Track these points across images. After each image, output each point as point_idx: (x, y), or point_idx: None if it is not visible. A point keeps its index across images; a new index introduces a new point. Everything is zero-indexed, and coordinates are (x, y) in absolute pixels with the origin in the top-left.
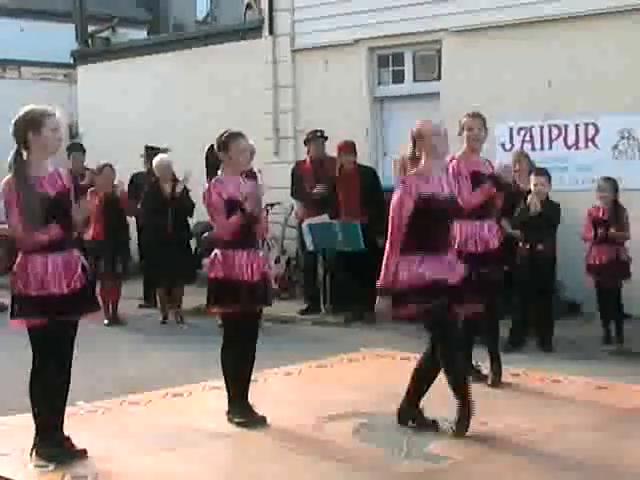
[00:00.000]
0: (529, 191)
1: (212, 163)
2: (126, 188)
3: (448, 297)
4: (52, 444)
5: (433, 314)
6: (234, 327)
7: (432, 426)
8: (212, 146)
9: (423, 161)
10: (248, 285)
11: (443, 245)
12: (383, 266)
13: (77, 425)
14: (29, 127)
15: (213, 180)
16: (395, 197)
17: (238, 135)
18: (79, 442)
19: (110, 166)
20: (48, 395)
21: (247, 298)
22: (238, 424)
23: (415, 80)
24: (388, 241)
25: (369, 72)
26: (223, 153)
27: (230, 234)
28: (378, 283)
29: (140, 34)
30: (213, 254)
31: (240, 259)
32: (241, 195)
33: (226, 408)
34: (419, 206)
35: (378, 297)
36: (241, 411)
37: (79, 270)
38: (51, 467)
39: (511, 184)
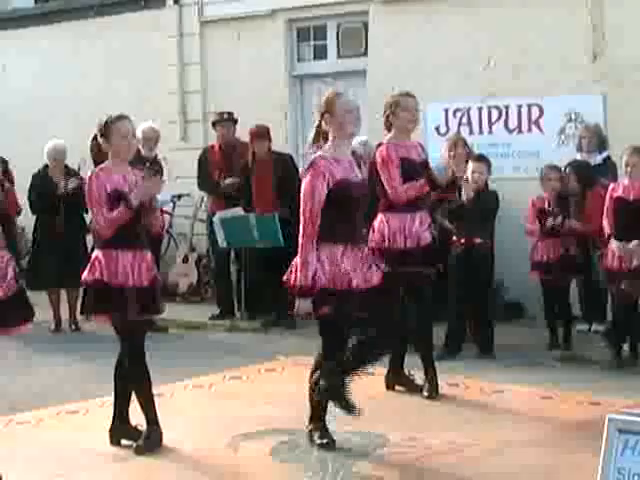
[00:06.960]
0: (466, 179)
1: (94, 153)
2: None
3: (356, 303)
4: None
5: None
6: (131, 337)
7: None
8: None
9: (330, 140)
10: (135, 291)
11: (361, 235)
12: (299, 263)
13: None
14: None
15: (96, 169)
16: (306, 183)
17: (119, 118)
18: None
19: None
20: None
21: (133, 306)
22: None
23: (339, 56)
24: (301, 235)
25: (287, 47)
26: (104, 140)
27: (112, 230)
28: (296, 283)
29: (27, 2)
30: (94, 254)
31: (124, 261)
32: (128, 186)
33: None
34: (333, 191)
35: (297, 299)
36: (124, 431)
37: None
38: None
39: (445, 185)
